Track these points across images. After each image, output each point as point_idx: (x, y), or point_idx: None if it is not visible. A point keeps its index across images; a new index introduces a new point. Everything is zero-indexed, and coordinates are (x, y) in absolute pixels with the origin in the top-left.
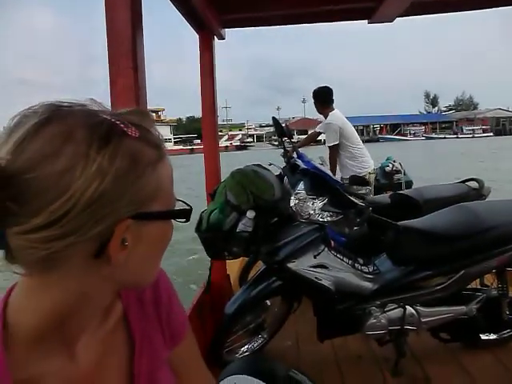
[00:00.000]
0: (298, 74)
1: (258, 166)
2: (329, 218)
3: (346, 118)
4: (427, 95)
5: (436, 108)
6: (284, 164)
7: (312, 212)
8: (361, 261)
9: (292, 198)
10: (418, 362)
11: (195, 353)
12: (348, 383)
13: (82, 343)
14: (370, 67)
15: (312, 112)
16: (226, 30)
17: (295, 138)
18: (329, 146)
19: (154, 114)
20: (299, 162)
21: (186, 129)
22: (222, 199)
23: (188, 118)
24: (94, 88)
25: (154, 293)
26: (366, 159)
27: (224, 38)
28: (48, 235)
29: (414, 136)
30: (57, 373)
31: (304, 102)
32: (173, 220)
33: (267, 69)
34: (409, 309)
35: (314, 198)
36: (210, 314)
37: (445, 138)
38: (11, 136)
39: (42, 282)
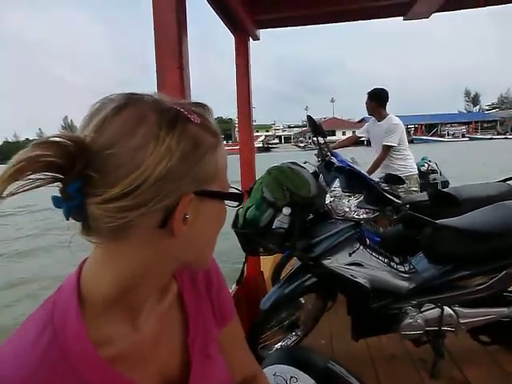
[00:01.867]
0: (327, 72)
1: (294, 163)
2: (365, 216)
3: None
4: (467, 93)
5: (477, 107)
6: (317, 163)
7: (347, 209)
8: (396, 259)
9: (327, 195)
10: (457, 365)
11: (241, 335)
12: (384, 383)
13: (144, 315)
14: (404, 66)
15: (340, 112)
16: (261, 30)
17: (321, 139)
18: (388, 146)
19: None
20: (334, 160)
21: None
22: (258, 196)
23: (216, 118)
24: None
25: (206, 275)
26: (412, 160)
27: (259, 39)
28: (123, 205)
29: (453, 137)
30: (124, 338)
31: (333, 101)
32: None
33: (296, 67)
34: (447, 309)
35: (349, 196)
36: (246, 310)
37: (491, 138)
38: (93, 118)
39: (113, 252)
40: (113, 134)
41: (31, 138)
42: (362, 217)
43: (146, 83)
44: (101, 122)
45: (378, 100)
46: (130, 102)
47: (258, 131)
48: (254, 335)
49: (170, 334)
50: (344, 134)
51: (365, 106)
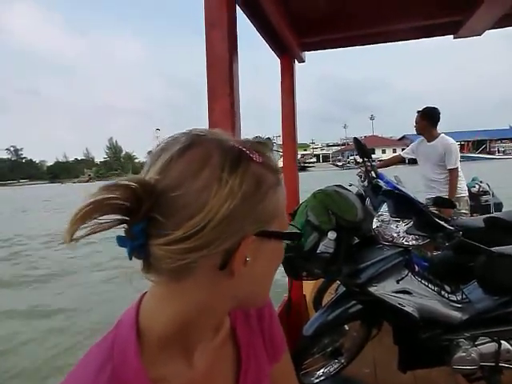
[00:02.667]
0: (368, 91)
1: (340, 186)
2: (414, 242)
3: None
4: None
5: None
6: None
7: (396, 235)
8: (447, 288)
9: (375, 219)
10: None
11: (291, 370)
12: None
13: (198, 352)
14: (450, 80)
15: (380, 130)
16: (306, 52)
17: (359, 157)
18: (455, 168)
19: None
20: (381, 183)
21: None
22: (302, 219)
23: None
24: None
25: (258, 309)
26: (464, 181)
27: (304, 61)
28: (186, 247)
29: (504, 154)
30: (179, 376)
31: (372, 118)
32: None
33: (337, 87)
34: (504, 344)
35: (397, 221)
36: (287, 334)
37: None
38: (159, 159)
39: (173, 291)
40: (178, 176)
41: (79, 158)
42: (411, 243)
43: (194, 106)
44: (166, 162)
45: (430, 119)
46: (194, 142)
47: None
48: (295, 361)
49: (223, 369)
50: (384, 152)
51: (414, 124)
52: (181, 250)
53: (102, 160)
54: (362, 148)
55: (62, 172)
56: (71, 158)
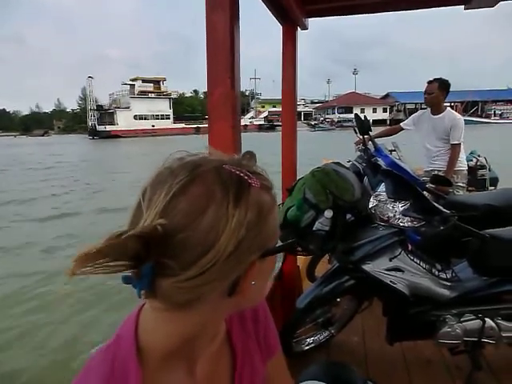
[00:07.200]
0: (367, 48)
1: (338, 164)
2: (409, 224)
3: (410, 93)
4: None
5: None
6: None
7: (391, 215)
8: (438, 266)
9: (371, 198)
10: (495, 377)
11: (284, 367)
12: None
13: (199, 361)
14: (448, 42)
15: (362, 86)
16: (309, 19)
17: (336, 116)
18: (457, 144)
19: (151, 84)
20: (381, 162)
21: (194, 105)
22: (299, 196)
23: (195, 91)
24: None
25: (253, 312)
26: (464, 155)
27: (307, 28)
28: (196, 284)
29: (501, 118)
30: None
31: (355, 73)
32: None
33: (335, 41)
34: (488, 321)
35: (394, 201)
36: (280, 305)
37: None
38: (159, 195)
39: (177, 315)
40: (183, 217)
41: (58, 110)
42: (406, 224)
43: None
44: (168, 201)
45: (446, 91)
46: (193, 177)
47: (263, 107)
48: (288, 332)
49: (220, 373)
50: (363, 111)
51: (425, 94)
52: (192, 286)
53: (73, 111)
54: (362, 124)
55: (34, 123)
56: (49, 109)
